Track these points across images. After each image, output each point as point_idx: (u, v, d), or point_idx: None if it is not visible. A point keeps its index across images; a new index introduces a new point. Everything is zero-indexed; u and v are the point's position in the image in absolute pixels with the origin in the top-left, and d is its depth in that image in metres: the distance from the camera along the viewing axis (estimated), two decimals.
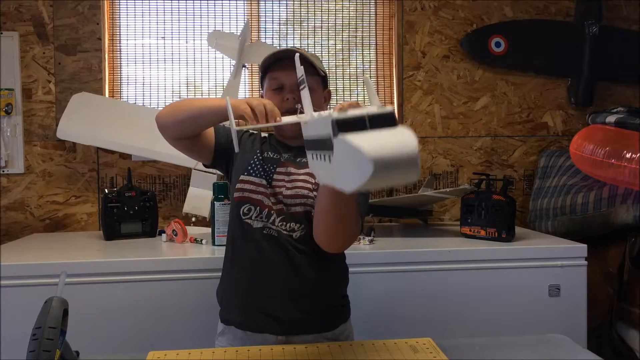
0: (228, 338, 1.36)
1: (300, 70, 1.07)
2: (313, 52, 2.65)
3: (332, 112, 0.96)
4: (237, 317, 1.35)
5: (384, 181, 0.77)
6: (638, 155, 1.96)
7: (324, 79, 1.41)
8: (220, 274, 1.44)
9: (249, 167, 1.36)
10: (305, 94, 1.08)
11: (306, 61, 1.32)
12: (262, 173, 1.35)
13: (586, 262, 1.95)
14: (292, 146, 1.39)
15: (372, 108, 0.83)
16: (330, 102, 1.49)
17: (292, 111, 1.30)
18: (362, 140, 0.75)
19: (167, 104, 2.53)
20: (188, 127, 1.29)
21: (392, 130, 0.79)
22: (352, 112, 0.82)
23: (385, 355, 1.16)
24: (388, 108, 0.82)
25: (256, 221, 1.32)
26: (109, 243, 2.12)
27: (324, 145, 0.89)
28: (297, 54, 1.08)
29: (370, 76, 2.68)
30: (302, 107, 1.11)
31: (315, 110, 1.32)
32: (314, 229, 1.25)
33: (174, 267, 1.81)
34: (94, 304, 1.74)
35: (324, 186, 1.13)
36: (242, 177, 1.35)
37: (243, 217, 1.33)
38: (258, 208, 1.32)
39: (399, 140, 0.76)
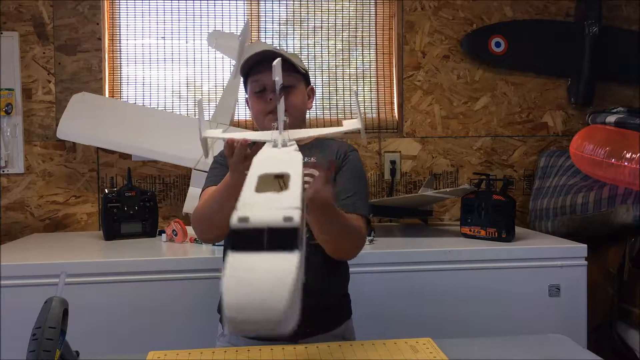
0: (231, 338, 1.36)
1: (278, 82, 1.04)
2: (312, 52, 2.67)
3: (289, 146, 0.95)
4: None
5: (249, 329, 0.65)
6: (638, 155, 1.96)
7: (305, 77, 1.40)
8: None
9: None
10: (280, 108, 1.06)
11: (285, 61, 1.32)
12: None
13: (586, 262, 1.94)
14: None
15: (281, 212, 0.69)
16: (315, 98, 1.48)
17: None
18: (233, 277, 0.65)
19: (167, 105, 2.55)
20: (227, 222, 1.28)
21: (279, 264, 0.66)
22: (256, 219, 0.69)
23: (385, 355, 1.16)
24: (295, 221, 0.68)
25: None
26: (109, 243, 2.12)
27: None
28: (278, 59, 1.04)
29: (370, 76, 2.68)
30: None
31: (298, 110, 1.35)
32: (322, 246, 1.26)
33: (174, 267, 1.81)
34: (94, 304, 1.74)
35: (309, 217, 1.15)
36: None
37: None
38: None
39: (271, 290, 0.64)
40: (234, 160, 1.11)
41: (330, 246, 1.25)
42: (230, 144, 1.10)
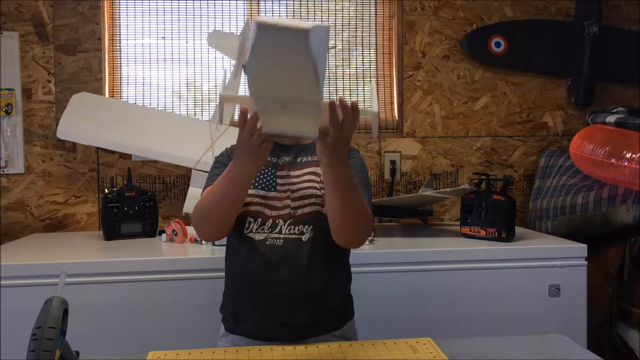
0: (233, 339, 1.36)
1: None
2: None
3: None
4: (245, 328, 1.33)
5: (274, 53, 0.80)
6: (638, 155, 1.96)
7: None
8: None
9: None
10: None
11: None
12: (257, 183, 1.33)
13: (586, 262, 1.95)
14: (289, 146, 1.38)
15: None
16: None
17: None
18: (261, 17, 0.82)
19: (167, 105, 2.55)
20: (227, 216, 1.25)
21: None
22: (282, 22, 0.84)
23: (385, 355, 1.16)
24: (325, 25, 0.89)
25: (257, 233, 1.30)
26: (109, 243, 2.12)
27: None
28: None
29: (370, 76, 2.68)
30: None
31: None
32: (331, 229, 1.24)
33: (174, 267, 1.81)
34: (94, 304, 1.74)
35: (326, 174, 1.15)
36: None
37: (245, 232, 1.31)
38: (259, 220, 1.31)
39: (298, 22, 0.81)
40: (245, 134, 1.06)
41: (342, 223, 1.21)
42: (244, 113, 1.04)
